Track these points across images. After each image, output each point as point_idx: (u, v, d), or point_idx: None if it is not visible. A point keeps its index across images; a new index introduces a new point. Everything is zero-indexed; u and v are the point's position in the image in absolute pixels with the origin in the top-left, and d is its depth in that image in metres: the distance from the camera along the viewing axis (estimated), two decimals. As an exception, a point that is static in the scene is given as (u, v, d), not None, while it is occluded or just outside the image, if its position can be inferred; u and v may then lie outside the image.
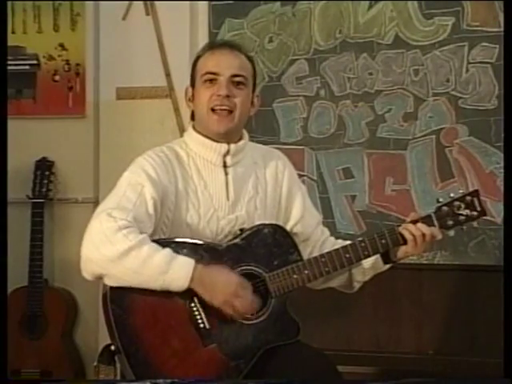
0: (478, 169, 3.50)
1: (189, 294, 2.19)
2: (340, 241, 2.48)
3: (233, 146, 2.36)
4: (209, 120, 2.33)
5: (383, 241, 2.33)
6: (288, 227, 2.45)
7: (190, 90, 2.40)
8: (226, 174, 2.37)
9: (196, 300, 2.20)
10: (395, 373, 3.01)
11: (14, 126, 3.40)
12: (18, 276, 3.69)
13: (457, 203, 2.36)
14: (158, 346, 2.17)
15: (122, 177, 2.30)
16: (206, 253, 2.25)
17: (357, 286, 2.49)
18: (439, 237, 2.34)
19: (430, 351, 3.18)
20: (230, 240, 2.32)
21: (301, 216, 2.48)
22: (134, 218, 2.18)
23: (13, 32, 3.96)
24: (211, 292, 2.17)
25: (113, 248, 2.13)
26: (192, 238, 2.29)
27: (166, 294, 2.17)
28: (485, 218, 3.38)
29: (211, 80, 2.32)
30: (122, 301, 2.18)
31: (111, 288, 2.18)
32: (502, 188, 3.39)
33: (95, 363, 2.28)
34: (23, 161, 3.87)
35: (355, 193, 3.64)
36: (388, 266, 2.42)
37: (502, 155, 3.39)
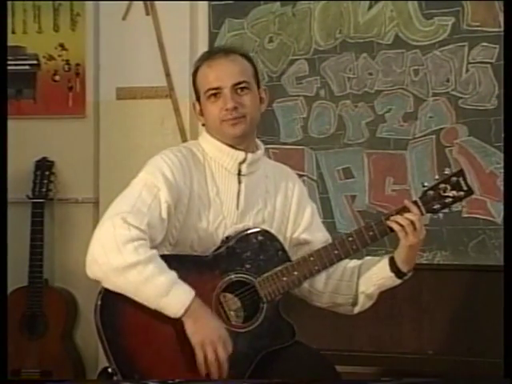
0: (478, 169, 3.49)
1: None
2: (353, 261, 2.41)
3: (250, 154, 2.34)
4: (223, 128, 2.31)
5: (371, 233, 2.28)
6: (294, 238, 2.42)
7: (197, 104, 2.38)
8: (240, 182, 2.34)
9: None
10: (395, 373, 3.01)
11: (14, 125, 3.40)
12: (18, 276, 3.68)
13: (442, 186, 2.29)
14: (154, 365, 2.14)
15: (138, 177, 2.27)
16: (193, 265, 2.23)
17: (364, 302, 2.41)
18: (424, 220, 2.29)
19: (429, 351, 3.18)
20: (216, 249, 2.28)
21: (308, 225, 2.44)
22: (148, 224, 2.16)
23: (13, 32, 3.96)
24: (195, 327, 2.13)
25: (121, 258, 2.11)
26: (195, 248, 2.27)
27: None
28: (485, 217, 3.46)
29: (215, 94, 2.30)
30: (114, 323, 2.15)
31: (101, 308, 2.15)
32: (501, 188, 3.39)
33: None
34: (23, 161, 3.87)
35: (355, 193, 3.64)
36: (399, 277, 2.34)
37: (502, 155, 3.38)
